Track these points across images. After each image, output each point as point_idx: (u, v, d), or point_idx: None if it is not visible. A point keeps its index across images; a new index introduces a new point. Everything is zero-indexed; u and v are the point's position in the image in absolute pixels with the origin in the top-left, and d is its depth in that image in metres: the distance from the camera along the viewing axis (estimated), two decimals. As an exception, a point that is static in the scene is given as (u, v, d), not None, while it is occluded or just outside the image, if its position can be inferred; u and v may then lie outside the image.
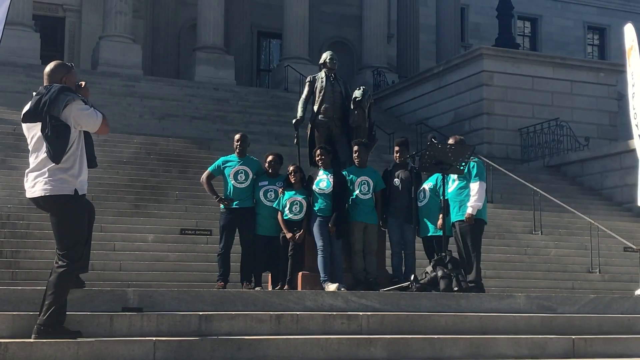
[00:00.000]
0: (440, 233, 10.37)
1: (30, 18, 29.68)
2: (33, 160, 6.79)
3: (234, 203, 10.80)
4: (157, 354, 6.87)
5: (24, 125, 6.88)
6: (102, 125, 6.82)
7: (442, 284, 9.64)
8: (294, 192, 10.67)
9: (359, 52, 36.50)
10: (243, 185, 10.88)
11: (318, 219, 10.50)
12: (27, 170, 6.86)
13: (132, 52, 30.13)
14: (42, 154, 6.70)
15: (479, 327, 8.52)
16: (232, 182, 10.87)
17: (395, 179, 11.09)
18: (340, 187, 10.59)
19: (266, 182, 10.92)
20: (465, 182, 10.37)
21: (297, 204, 10.60)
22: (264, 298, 8.36)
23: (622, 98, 37.86)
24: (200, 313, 7.60)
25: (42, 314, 6.65)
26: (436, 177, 10.72)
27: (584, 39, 48.20)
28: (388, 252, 11.27)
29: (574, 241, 18.33)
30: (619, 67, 29.18)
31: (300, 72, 29.19)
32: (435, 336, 8.03)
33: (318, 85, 11.56)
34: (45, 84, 6.86)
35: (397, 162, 11.25)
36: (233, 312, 7.84)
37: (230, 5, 34.40)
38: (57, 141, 6.61)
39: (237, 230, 10.93)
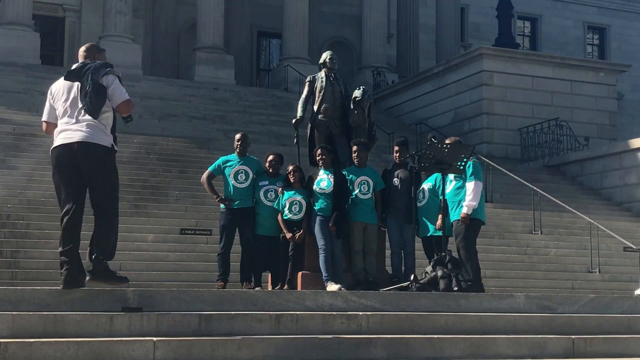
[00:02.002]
0: (440, 233, 10.37)
1: (30, 18, 29.66)
2: (67, 118, 7.46)
3: (234, 203, 10.80)
4: (157, 353, 6.87)
5: (63, 85, 7.52)
6: (125, 102, 7.52)
7: (441, 284, 9.65)
8: (293, 191, 10.67)
9: (358, 52, 36.51)
10: (243, 185, 10.87)
11: (319, 218, 10.50)
12: (63, 124, 7.47)
13: (131, 51, 30.12)
14: (79, 111, 7.41)
15: (479, 327, 8.52)
16: (232, 181, 10.87)
17: (395, 179, 11.08)
18: (341, 187, 10.59)
19: (266, 182, 10.92)
20: (462, 182, 10.36)
21: (296, 204, 10.60)
22: (264, 298, 8.36)
23: (621, 98, 37.96)
24: (200, 313, 7.60)
25: (94, 260, 7.38)
26: (435, 177, 10.72)
27: (584, 38, 48.19)
28: (388, 252, 11.28)
29: (574, 241, 18.33)
30: (619, 67, 29.24)
31: (300, 72, 29.21)
32: (435, 336, 8.03)
33: (318, 85, 11.56)
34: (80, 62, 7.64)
35: (397, 162, 11.24)
36: (233, 312, 7.83)
37: (230, 5, 34.40)
38: (96, 97, 7.34)
39: (237, 230, 10.93)
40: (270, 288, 10.70)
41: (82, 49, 7.80)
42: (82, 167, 7.38)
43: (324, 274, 10.24)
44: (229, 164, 11.00)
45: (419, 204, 10.80)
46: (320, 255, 10.34)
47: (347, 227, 10.63)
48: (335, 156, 11.01)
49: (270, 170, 11.00)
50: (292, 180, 10.71)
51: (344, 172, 10.82)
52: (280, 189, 10.76)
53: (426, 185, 10.88)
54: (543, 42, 46.47)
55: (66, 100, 7.49)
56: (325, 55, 11.78)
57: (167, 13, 35.94)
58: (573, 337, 8.46)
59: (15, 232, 13.88)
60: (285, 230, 10.59)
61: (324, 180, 10.61)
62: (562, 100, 26.87)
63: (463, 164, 10.20)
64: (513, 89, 26.53)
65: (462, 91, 27.23)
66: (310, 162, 11.35)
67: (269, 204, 10.79)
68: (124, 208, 15.48)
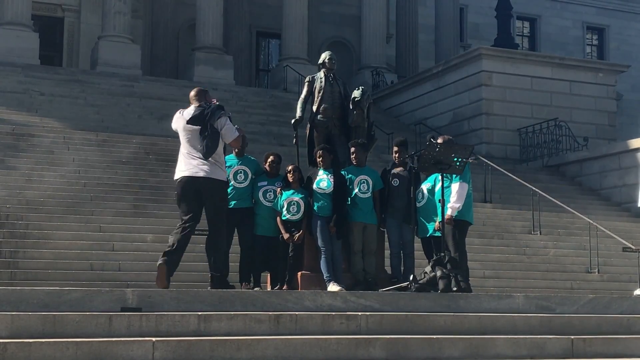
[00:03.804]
0: (439, 233, 10.36)
1: (29, 18, 29.63)
2: (186, 153, 9.47)
3: (232, 203, 10.80)
4: (156, 354, 6.87)
5: (186, 127, 9.43)
6: (235, 140, 9.53)
7: (441, 284, 9.64)
8: (291, 191, 10.66)
9: (358, 52, 36.50)
10: (243, 185, 10.87)
11: (318, 219, 10.49)
12: (184, 157, 9.51)
13: (131, 52, 30.12)
14: (198, 150, 9.30)
15: (478, 327, 8.52)
16: (232, 182, 10.87)
17: (394, 179, 11.08)
18: (340, 188, 10.59)
19: (265, 182, 10.91)
20: (448, 182, 10.35)
21: (294, 204, 10.59)
22: (263, 298, 8.36)
23: (621, 98, 37.96)
24: (199, 313, 7.60)
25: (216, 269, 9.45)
26: (434, 177, 10.71)
27: (583, 39, 48.21)
28: (387, 252, 11.27)
29: (573, 241, 18.34)
30: (618, 67, 29.25)
31: (299, 72, 29.19)
32: (434, 336, 8.03)
33: (317, 85, 11.56)
34: (193, 104, 9.47)
35: (396, 162, 11.24)
36: (232, 312, 7.84)
37: (229, 5, 34.39)
38: (211, 142, 9.22)
39: (236, 230, 10.93)
40: (269, 288, 10.70)
41: (192, 94, 9.54)
42: (203, 196, 9.31)
43: (326, 275, 10.23)
44: (228, 164, 10.99)
45: (418, 205, 10.79)
46: (321, 256, 10.34)
47: (347, 228, 10.63)
48: (335, 157, 11.01)
49: (270, 171, 11.00)
50: (290, 180, 10.71)
51: (343, 172, 10.81)
52: (279, 189, 10.76)
53: (425, 185, 10.87)
54: (542, 43, 46.47)
55: (187, 136, 9.43)
56: (325, 56, 11.78)
57: (166, 13, 35.92)
58: (572, 337, 8.46)
59: (15, 232, 13.87)
60: (283, 231, 10.58)
61: (323, 181, 10.60)
62: (561, 101, 26.88)
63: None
64: (512, 89, 26.53)
65: (462, 91, 27.23)
66: (309, 162, 11.35)
67: (268, 204, 10.79)
68: (123, 208, 15.59)
